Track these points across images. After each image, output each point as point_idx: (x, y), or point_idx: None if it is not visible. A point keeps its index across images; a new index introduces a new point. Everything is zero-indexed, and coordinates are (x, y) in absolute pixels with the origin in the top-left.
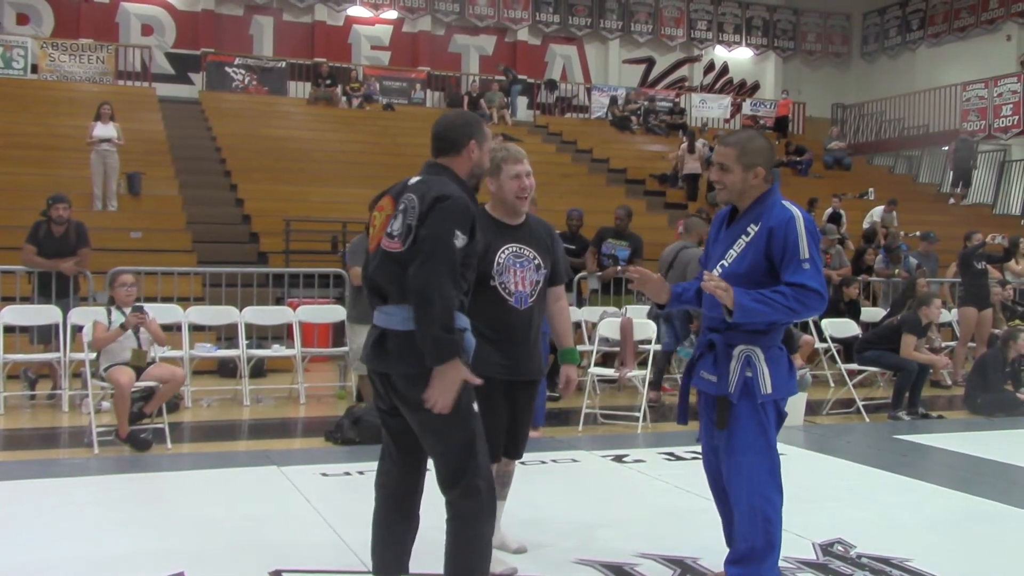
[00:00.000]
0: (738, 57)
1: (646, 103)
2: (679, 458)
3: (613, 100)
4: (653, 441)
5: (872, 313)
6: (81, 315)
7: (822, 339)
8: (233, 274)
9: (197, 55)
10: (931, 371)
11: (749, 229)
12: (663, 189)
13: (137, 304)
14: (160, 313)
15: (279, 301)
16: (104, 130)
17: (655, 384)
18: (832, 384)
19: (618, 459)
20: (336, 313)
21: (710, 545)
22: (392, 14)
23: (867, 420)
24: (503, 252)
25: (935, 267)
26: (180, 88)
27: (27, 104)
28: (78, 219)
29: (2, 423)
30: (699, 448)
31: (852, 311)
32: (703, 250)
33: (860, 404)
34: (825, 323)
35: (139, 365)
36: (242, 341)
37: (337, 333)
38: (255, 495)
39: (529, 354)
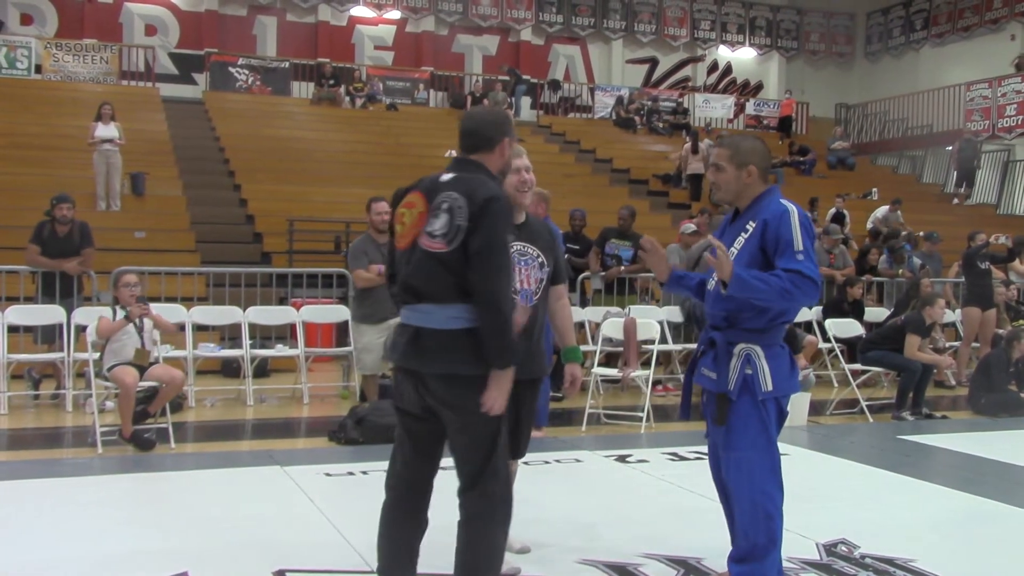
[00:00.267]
0: (741, 57)
1: (649, 103)
2: (682, 458)
3: (619, 100)
4: (656, 441)
5: (876, 313)
6: (85, 315)
7: (826, 339)
8: (237, 274)
9: (201, 55)
10: (935, 371)
11: (748, 226)
12: (666, 189)
13: (141, 297)
14: (164, 313)
15: (282, 301)
16: (105, 130)
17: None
18: (836, 384)
19: (621, 459)
20: (340, 313)
21: (714, 545)
22: (395, 14)
23: (871, 420)
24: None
25: (939, 267)
26: (184, 88)
27: (31, 104)
28: (82, 219)
29: (6, 423)
30: (703, 448)
31: (856, 311)
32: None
33: (864, 404)
34: (829, 323)
35: (142, 364)
36: (246, 341)
37: (341, 333)
38: (258, 495)
39: (533, 352)
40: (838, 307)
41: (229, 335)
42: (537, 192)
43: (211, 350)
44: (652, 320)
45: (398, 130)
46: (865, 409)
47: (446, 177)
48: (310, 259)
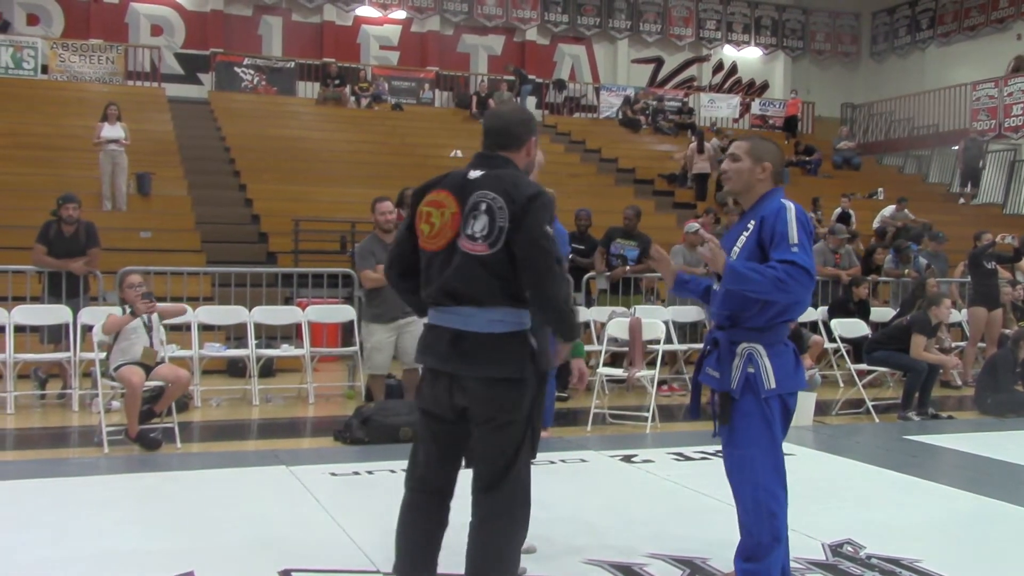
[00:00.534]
0: (747, 57)
1: (655, 103)
2: (688, 458)
3: (626, 100)
4: (662, 441)
5: (882, 313)
6: (91, 315)
7: (831, 339)
8: (242, 274)
9: (206, 55)
10: (941, 371)
11: (749, 225)
12: (672, 189)
13: (147, 293)
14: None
15: (288, 301)
16: (111, 131)
17: None
18: (842, 384)
19: (627, 459)
20: (345, 313)
21: (720, 545)
22: (401, 14)
23: (877, 420)
24: None
25: (945, 267)
26: (189, 88)
27: (37, 104)
28: (88, 219)
29: (13, 423)
30: (709, 448)
31: (862, 311)
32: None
33: (870, 404)
34: (834, 323)
35: (149, 364)
36: (251, 341)
37: (346, 333)
38: (264, 495)
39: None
40: (844, 307)
41: (234, 335)
42: None
43: (216, 350)
44: (657, 320)
45: (403, 130)
46: (871, 409)
47: (475, 175)
48: (315, 259)
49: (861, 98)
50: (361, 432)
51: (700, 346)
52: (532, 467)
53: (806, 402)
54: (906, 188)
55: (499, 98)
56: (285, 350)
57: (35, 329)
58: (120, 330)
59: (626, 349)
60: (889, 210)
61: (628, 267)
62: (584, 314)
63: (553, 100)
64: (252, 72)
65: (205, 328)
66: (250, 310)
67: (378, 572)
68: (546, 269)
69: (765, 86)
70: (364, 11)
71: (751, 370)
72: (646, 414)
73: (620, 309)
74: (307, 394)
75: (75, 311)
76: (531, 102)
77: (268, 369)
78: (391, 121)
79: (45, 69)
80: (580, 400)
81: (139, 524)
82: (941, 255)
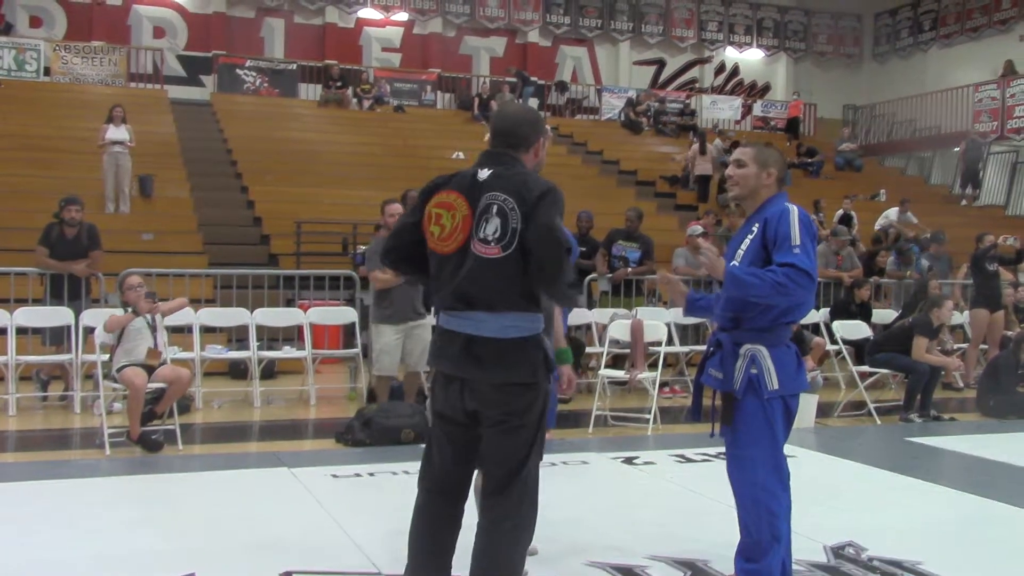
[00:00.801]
0: (749, 58)
1: (656, 105)
2: (689, 460)
3: (629, 102)
4: (663, 443)
5: (883, 315)
6: (93, 317)
7: (833, 341)
8: (244, 276)
9: (208, 57)
10: (943, 373)
11: (754, 228)
12: (673, 191)
13: (150, 292)
14: (171, 315)
15: (290, 303)
16: (116, 132)
17: None
18: (843, 386)
19: (628, 461)
20: (347, 315)
21: (721, 547)
22: (403, 16)
23: (878, 422)
24: None
25: (946, 269)
26: (191, 90)
27: (40, 106)
28: (90, 221)
29: (14, 424)
30: (710, 450)
31: (863, 313)
32: None
33: (872, 406)
34: (836, 325)
35: (153, 365)
36: (253, 343)
37: (347, 335)
38: (265, 497)
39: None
40: (845, 309)
41: (236, 337)
42: None
43: (218, 352)
44: (659, 322)
45: (405, 132)
46: (873, 411)
47: (484, 175)
48: (317, 261)
49: (863, 100)
50: (363, 434)
51: (701, 348)
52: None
53: (808, 404)
54: (908, 190)
55: (501, 100)
56: (287, 352)
57: (37, 331)
58: (123, 330)
59: (628, 351)
60: (893, 212)
61: (630, 269)
62: (586, 316)
63: (555, 102)
64: (254, 74)
65: (207, 330)
66: (252, 312)
67: (380, 574)
68: (556, 258)
69: (767, 88)
70: (366, 13)
71: (754, 371)
72: (648, 416)
73: (622, 311)
74: (308, 396)
75: (77, 313)
76: (533, 104)
77: (270, 371)
78: (393, 123)
79: (47, 71)
80: (581, 402)
81: (141, 526)
82: (943, 257)
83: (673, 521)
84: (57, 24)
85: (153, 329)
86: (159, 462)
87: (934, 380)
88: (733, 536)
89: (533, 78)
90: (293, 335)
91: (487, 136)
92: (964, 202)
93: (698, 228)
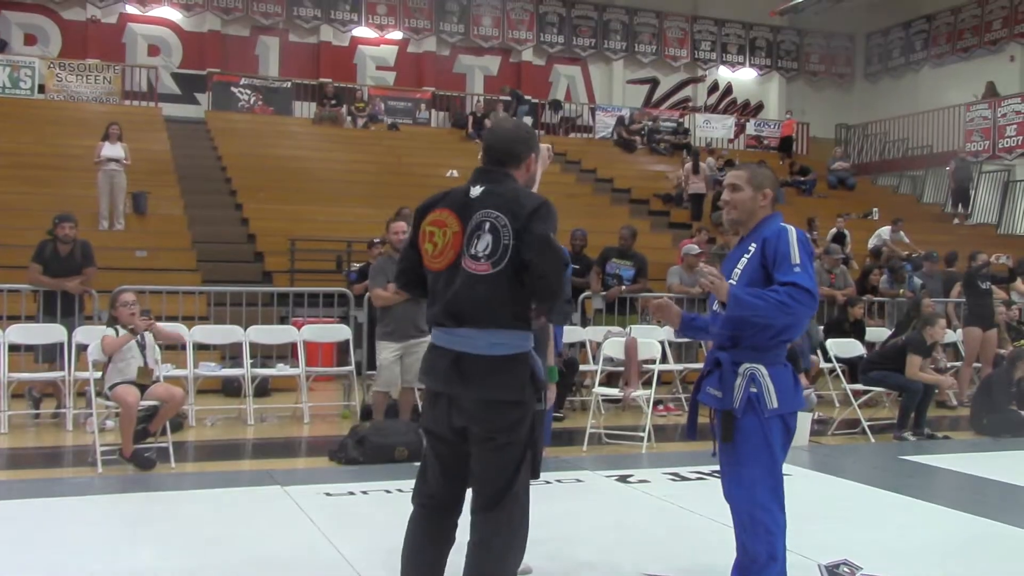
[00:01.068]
0: (742, 78)
1: (650, 123)
2: (684, 478)
3: (619, 121)
4: (658, 461)
5: (877, 333)
6: (86, 334)
7: (827, 359)
8: (238, 293)
9: (203, 75)
10: (936, 391)
11: (750, 248)
12: (667, 209)
13: (145, 310)
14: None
15: (284, 320)
16: (112, 150)
17: None
18: (837, 404)
19: (623, 479)
20: (340, 332)
21: (715, 565)
22: (397, 35)
23: (872, 440)
24: None
25: (939, 287)
26: (186, 108)
27: (34, 124)
28: (84, 238)
29: (6, 442)
30: (704, 468)
31: (857, 331)
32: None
33: (865, 424)
34: (830, 343)
35: (145, 383)
36: (246, 360)
37: (341, 352)
38: (258, 515)
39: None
40: (839, 327)
41: (230, 354)
42: None
43: (212, 369)
44: (653, 340)
45: (400, 150)
46: (867, 429)
47: (476, 192)
48: (311, 278)
49: (855, 119)
50: (356, 452)
51: (696, 366)
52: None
53: (802, 422)
54: (900, 208)
55: (495, 118)
56: (280, 369)
57: (30, 348)
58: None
59: (622, 369)
60: (886, 230)
61: (624, 287)
62: (580, 334)
63: (549, 120)
64: (249, 92)
65: (200, 347)
66: (245, 329)
67: None
68: (556, 269)
69: (760, 107)
70: (360, 32)
71: (754, 390)
72: (642, 434)
73: (616, 329)
74: (302, 414)
75: (70, 330)
76: (527, 123)
77: (263, 389)
78: (387, 141)
79: (42, 89)
80: (576, 420)
81: (133, 544)
82: (936, 275)
83: (668, 539)
84: (52, 42)
85: (143, 347)
86: (152, 480)
87: (928, 398)
88: (728, 554)
89: (527, 97)
90: (287, 352)
91: (481, 154)
92: (956, 221)
93: (694, 247)
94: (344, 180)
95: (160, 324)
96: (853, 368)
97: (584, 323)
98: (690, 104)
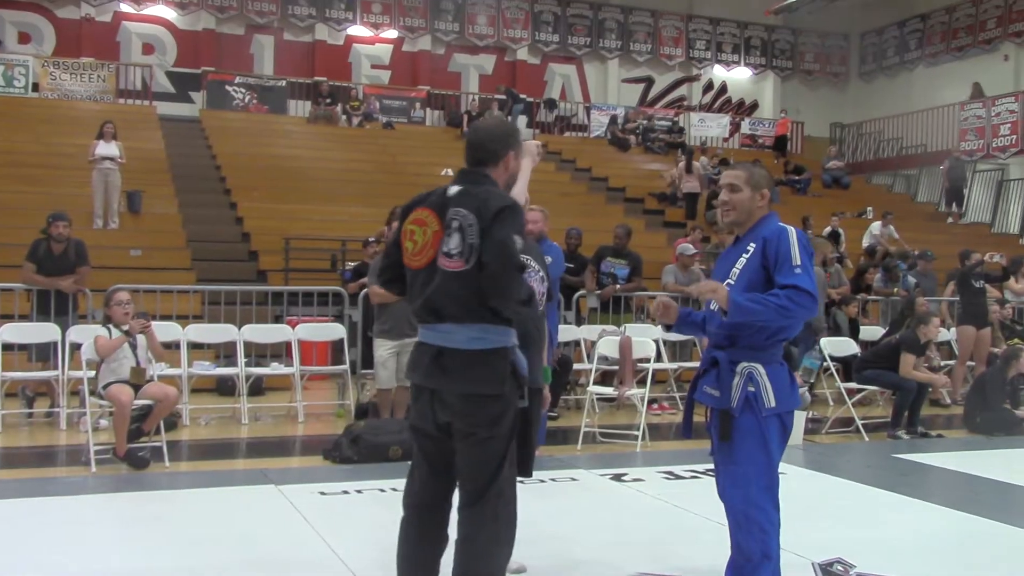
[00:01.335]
0: (736, 76)
1: (645, 122)
2: (678, 477)
3: (613, 119)
4: (652, 460)
5: (871, 332)
6: (80, 333)
7: (821, 358)
8: (232, 292)
9: (198, 74)
10: (930, 390)
11: (748, 247)
12: (662, 208)
13: (143, 313)
14: (159, 331)
15: (278, 319)
16: (106, 148)
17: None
18: (831, 403)
19: (617, 478)
20: (335, 331)
21: (709, 564)
22: (392, 33)
23: (866, 439)
24: None
25: (933, 286)
26: (180, 106)
27: (28, 122)
28: (78, 237)
29: (0, 441)
30: (698, 467)
31: (851, 330)
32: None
33: (859, 423)
34: (824, 342)
35: (138, 383)
36: (241, 359)
37: (336, 351)
38: (253, 514)
39: (537, 363)
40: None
41: (224, 353)
42: (540, 209)
43: (206, 368)
44: (648, 338)
45: (394, 148)
46: (861, 428)
47: (453, 191)
48: (306, 277)
49: (850, 118)
50: (351, 451)
51: (691, 365)
52: (523, 486)
53: (796, 421)
54: (895, 207)
55: (489, 116)
56: (275, 368)
57: (23, 347)
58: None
59: (616, 367)
60: (876, 226)
61: (618, 285)
62: (574, 333)
63: (544, 119)
64: (243, 90)
65: (194, 346)
66: (240, 328)
67: None
68: (505, 273)
69: (755, 106)
70: (355, 30)
71: (751, 389)
72: (636, 433)
73: (610, 327)
74: (296, 413)
75: (63, 329)
76: (522, 121)
77: (257, 387)
78: (382, 140)
79: (36, 87)
80: (570, 419)
81: (126, 544)
82: (930, 274)
83: (662, 538)
84: (46, 40)
85: (134, 347)
86: (145, 479)
87: (921, 397)
88: (722, 553)
89: (522, 95)
90: (281, 351)
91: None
92: (950, 220)
93: (689, 247)
94: (339, 179)
95: (154, 331)
96: (847, 367)
97: (579, 322)
98: (685, 103)
